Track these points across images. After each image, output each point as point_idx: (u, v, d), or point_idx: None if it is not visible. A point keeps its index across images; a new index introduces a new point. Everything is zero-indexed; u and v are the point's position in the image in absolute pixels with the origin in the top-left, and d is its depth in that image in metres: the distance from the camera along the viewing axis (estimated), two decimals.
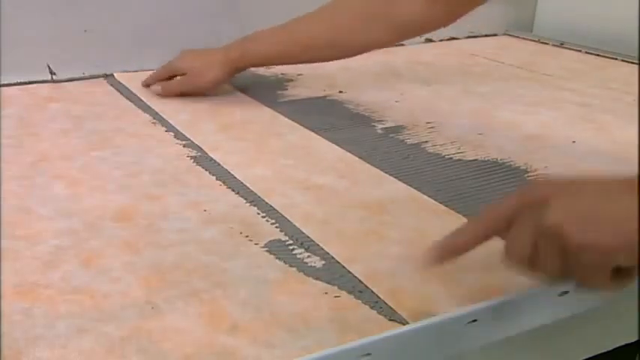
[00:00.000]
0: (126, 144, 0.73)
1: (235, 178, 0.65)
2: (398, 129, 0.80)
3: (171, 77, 0.90)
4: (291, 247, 0.53)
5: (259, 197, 0.61)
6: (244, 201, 0.61)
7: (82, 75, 0.98)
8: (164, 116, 0.82)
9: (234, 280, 0.48)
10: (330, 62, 0.90)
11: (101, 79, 0.98)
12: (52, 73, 0.96)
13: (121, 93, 0.92)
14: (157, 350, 0.41)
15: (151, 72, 1.01)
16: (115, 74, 0.99)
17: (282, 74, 1.03)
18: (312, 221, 0.57)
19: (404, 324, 0.44)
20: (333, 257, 0.52)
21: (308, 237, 0.54)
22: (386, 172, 0.67)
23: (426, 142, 0.76)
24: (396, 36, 0.84)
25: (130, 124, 0.79)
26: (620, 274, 0.42)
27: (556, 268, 0.42)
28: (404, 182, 0.65)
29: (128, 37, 1.00)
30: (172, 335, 0.42)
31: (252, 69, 1.06)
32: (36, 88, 0.93)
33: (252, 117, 0.83)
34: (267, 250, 0.52)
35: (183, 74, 0.88)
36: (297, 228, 0.56)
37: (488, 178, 0.67)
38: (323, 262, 0.51)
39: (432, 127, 0.81)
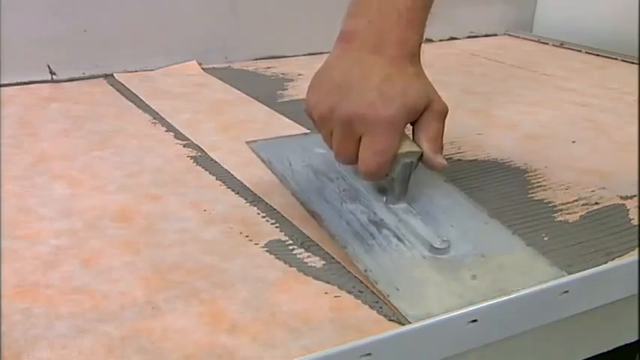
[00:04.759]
0: (126, 144, 0.73)
1: (235, 178, 0.65)
2: None
3: None
4: (291, 247, 0.53)
5: (259, 197, 0.61)
6: (244, 201, 0.61)
7: (82, 75, 0.98)
8: (164, 116, 0.82)
9: (234, 280, 0.48)
10: None
11: (101, 79, 0.98)
12: (52, 73, 0.96)
13: (121, 93, 0.92)
14: (156, 350, 0.41)
15: (150, 72, 1.01)
16: (115, 74, 0.99)
17: (282, 74, 1.03)
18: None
19: (404, 324, 0.44)
20: (333, 257, 0.52)
21: (308, 237, 0.54)
22: None
23: None
24: None
25: (130, 124, 0.79)
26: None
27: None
28: None
29: (128, 37, 1.00)
30: (172, 335, 0.42)
31: (252, 69, 1.06)
32: (36, 88, 0.93)
33: (252, 117, 0.83)
34: (267, 250, 0.52)
35: None
36: (297, 228, 0.56)
37: (488, 178, 0.67)
38: (323, 262, 0.51)
39: None
